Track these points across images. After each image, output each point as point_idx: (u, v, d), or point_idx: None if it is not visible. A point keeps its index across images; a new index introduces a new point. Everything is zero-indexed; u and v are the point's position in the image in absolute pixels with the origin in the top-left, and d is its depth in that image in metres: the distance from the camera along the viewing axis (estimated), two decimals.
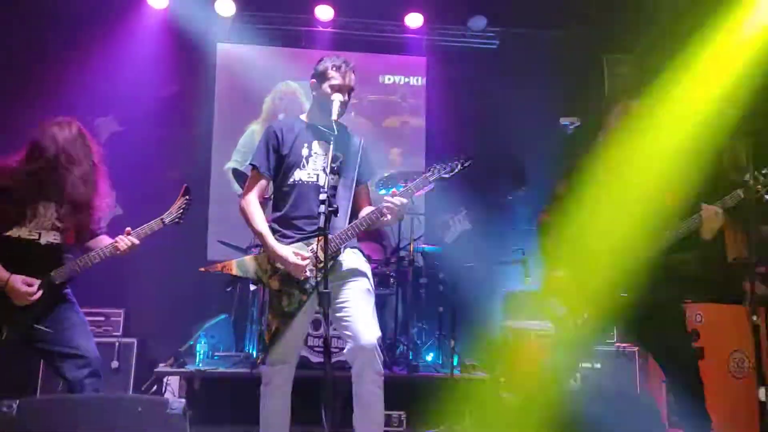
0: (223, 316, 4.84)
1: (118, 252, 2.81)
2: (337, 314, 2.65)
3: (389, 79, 6.22)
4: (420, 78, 6.24)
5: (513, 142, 6.00)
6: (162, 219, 2.89)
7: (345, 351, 2.63)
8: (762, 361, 2.40)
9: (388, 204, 2.59)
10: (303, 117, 2.87)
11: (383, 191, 4.41)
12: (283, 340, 2.63)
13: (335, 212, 2.27)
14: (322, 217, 2.23)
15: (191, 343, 4.59)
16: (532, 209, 5.91)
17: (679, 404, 2.78)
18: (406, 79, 6.24)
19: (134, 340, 4.56)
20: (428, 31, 6.09)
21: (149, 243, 5.40)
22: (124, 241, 2.80)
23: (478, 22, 6.01)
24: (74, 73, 5.31)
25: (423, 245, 5.12)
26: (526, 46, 5.95)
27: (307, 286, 2.63)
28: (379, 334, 2.63)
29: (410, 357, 4.47)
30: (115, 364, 4.47)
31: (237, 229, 4.17)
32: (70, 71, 5.29)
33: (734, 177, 3.04)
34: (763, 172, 2.60)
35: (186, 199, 2.93)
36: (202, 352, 4.43)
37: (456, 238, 5.84)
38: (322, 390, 2.21)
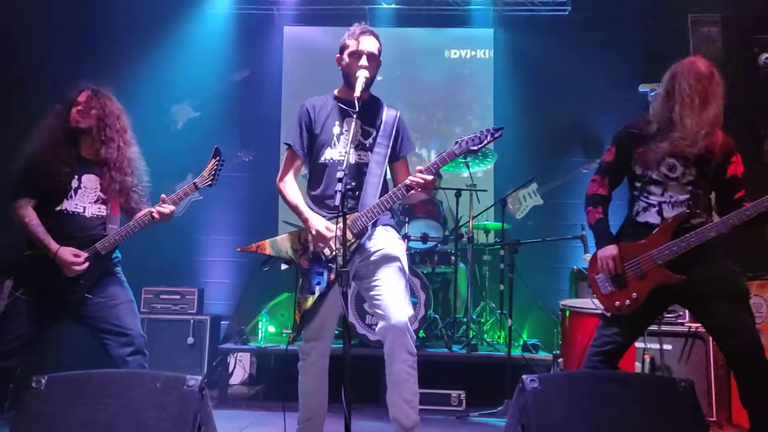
0: (285, 295, 4.97)
1: (155, 219, 2.83)
2: (369, 293, 2.64)
3: (455, 53, 6.06)
4: (487, 51, 6.02)
5: (588, 113, 5.72)
6: (195, 183, 2.89)
7: (376, 330, 2.62)
8: None
9: (413, 179, 2.53)
10: (335, 92, 2.84)
11: None
12: (315, 319, 2.65)
13: (353, 191, 2.23)
14: (339, 196, 2.21)
15: (259, 319, 4.75)
16: None
17: (742, 391, 2.56)
18: (473, 53, 6.05)
19: (207, 318, 4.78)
20: (495, 2, 5.86)
21: (223, 224, 5.73)
22: (159, 209, 2.83)
23: None
24: (149, 64, 5.58)
25: (485, 221, 5.00)
26: (600, 9, 5.59)
27: (335, 265, 2.62)
28: (411, 312, 2.59)
29: (471, 336, 4.40)
30: (190, 340, 4.70)
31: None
32: (145, 63, 5.56)
33: None
34: None
35: (217, 161, 2.92)
36: (265, 329, 4.57)
37: (527, 213, 5.67)
38: (344, 367, 2.21)
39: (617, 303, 2.62)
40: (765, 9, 5.10)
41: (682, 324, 3.90)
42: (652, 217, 2.63)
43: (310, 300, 2.62)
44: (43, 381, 1.92)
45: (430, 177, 2.51)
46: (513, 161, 5.37)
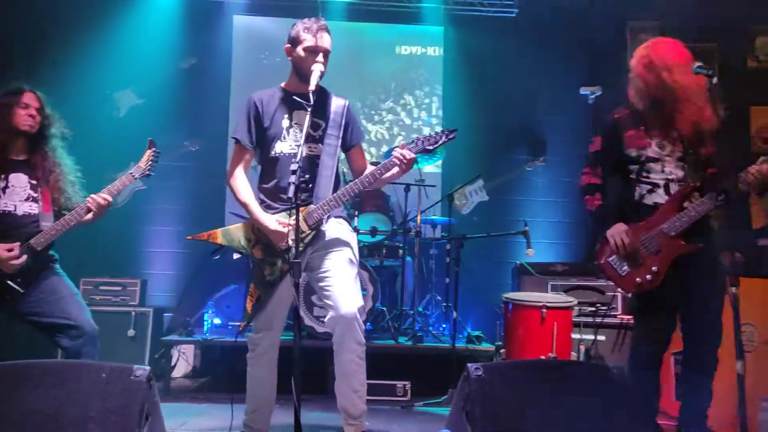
0: (233, 287, 4.93)
1: (91, 212, 2.81)
2: (319, 284, 2.68)
3: (406, 50, 6.13)
4: (437, 48, 6.12)
5: (532, 113, 5.90)
6: (131, 173, 2.89)
7: (326, 320, 2.66)
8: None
9: (393, 159, 2.62)
10: (283, 85, 2.84)
11: None
12: (266, 308, 2.67)
13: (306, 183, 2.26)
14: (292, 188, 2.23)
15: (202, 312, 4.69)
16: (550, 180, 5.88)
17: (688, 377, 2.72)
18: (423, 50, 6.13)
19: (150, 310, 4.69)
20: (445, 0, 5.96)
21: (167, 215, 5.61)
22: (95, 200, 2.80)
23: None
24: (91, 48, 5.41)
25: (433, 216, 5.10)
26: (545, 13, 5.77)
27: (289, 256, 2.64)
28: (360, 303, 2.64)
29: (417, 328, 4.48)
30: (131, 332, 4.60)
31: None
32: (86, 46, 5.39)
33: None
34: None
35: (153, 151, 2.92)
36: (210, 321, 4.52)
37: (472, 209, 5.81)
38: (294, 359, 2.23)
39: (638, 280, 2.65)
40: (701, 18, 5.38)
41: (615, 316, 4.11)
42: (660, 197, 2.68)
43: (262, 290, 2.62)
44: None
45: (410, 155, 2.62)
46: (460, 158, 5.47)
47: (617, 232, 2.69)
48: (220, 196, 5.77)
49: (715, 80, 2.58)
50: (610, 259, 2.73)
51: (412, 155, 2.62)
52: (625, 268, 2.69)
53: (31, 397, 1.86)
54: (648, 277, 2.63)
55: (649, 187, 2.71)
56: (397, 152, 2.63)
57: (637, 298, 2.74)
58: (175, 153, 5.46)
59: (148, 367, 1.96)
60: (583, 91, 5.66)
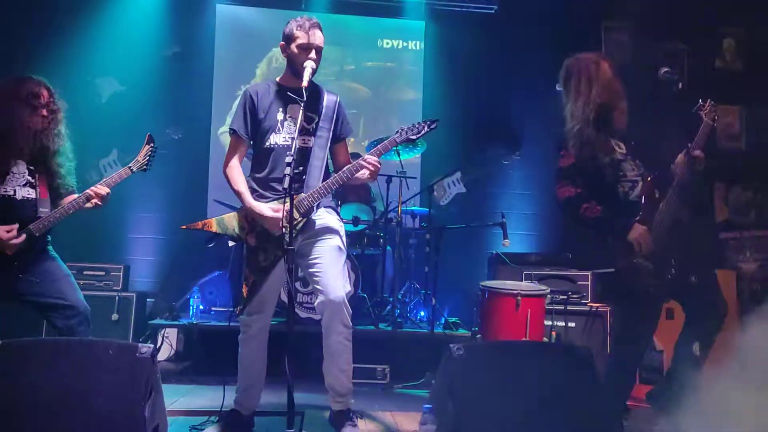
0: (217, 273, 5.02)
1: (91, 200, 2.89)
2: (309, 270, 2.81)
3: (387, 43, 6.25)
4: (418, 42, 6.25)
5: (509, 108, 6.07)
6: (129, 167, 2.99)
7: (315, 304, 2.80)
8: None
9: (362, 162, 2.73)
10: (278, 79, 2.95)
11: None
12: (259, 292, 2.79)
13: (301, 174, 2.39)
14: (287, 179, 2.36)
15: (188, 297, 4.79)
16: (525, 173, 6.07)
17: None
18: (405, 44, 6.26)
19: (133, 294, 4.74)
20: None
21: (150, 201, 5.66)
22: (96, 189, 2.89)
23: None
24: (75, 33, 5.42)
25: (412, 207, 5.25)
26: (524, 10, 5.93)
27: (282, 242, 2.76)
28: (347, 289, 2.78)
29: (396, 314, 4.64)
30: (115, 317, 4.66)
31: None
32: (68, 31, 5.40)
33: None
34: None
35: (151, 147, 3.03)
36: (195, 306, 4.62)
37: (450, 201, 5.98)
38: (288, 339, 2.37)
39: (669, 276, 2.76)
40: (670, 18, 5.59)
41: (585, 304, 4.32)
42: (639, 192, 2.81)
43: (257, 275, 2.75)
44: None
45: (375, 159, 2.72)
46: (439, 150, 5.63)
47: (640, 234, 2.73)
48: (203, 183, 5.85)
49: (680, 85, 2.76)
50: (636, 261, 2.75)
51: (378, 165, 2.75)
52: (650, 266, 2.74)
53: (42, 373, 1.96)
54: (673, 271, 2.74)
55: (630, 184, 2.83)
56: (362, 161, 2.75)
57: (647, 298, 2.81)
58: (158, 140, 5.49)
59: (151, 345, 2.08)
60: (559, 87, 5.83)
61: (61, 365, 1.98)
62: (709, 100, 2.77)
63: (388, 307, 4.83)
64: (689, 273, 2.78)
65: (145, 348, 2.06)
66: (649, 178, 2.80)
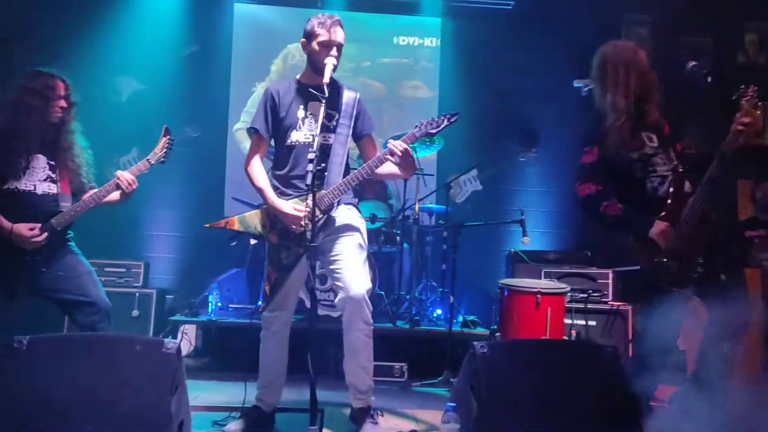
0: (235, 270, 5.05)
1: (122, 185, 2.90)
2: (330, 266, 2.82)
3: (403, 40, 6.24)
4: (435, 39, 6.23)
5: (526, 105, 6.03)
6: (148, 159, 2.99)
7: (336, 301, 2.81)
8: None
9: (381, 156, 2.75)
10: (298, 77, 2.96)
11: None
12: (281, 289, 2.80)
13: (323, 171, 2.39)
14: (309, 176, 2.37)
15: (206, 294, 4.82)
16: (542, 170, 6.04)
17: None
18: (421, 41, 6.25)
19: (153, 291, 4.81)
20: None
21: (169, 199, 5.70)
22: (124, 177, 2.90)
23: None
24: (94, 33, 5.47)
25: (429, 204, 5.24)
26: (541, 5, 5.89)
27: (303, 240, 2.77)
28: (368, 286, 2.78)
29: (413, 312, 4.64)
30: (135, 313, 4.73)
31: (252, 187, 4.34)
32: (88, 32, 5.45)
33: None
34: None
35: (168, 139, 3.03)
36: (214, 303, 4.65)
37: (466, 198, 5.97)
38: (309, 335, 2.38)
39: (694, 275, 2.67)
40: (693, 12, 5.53)
41: (606, 302, 4.28)
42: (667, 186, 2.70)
43: (278, 273, 2.76)
44: (24, 342, 1.99)
45: (402, 146, 2.70)
46: (455, 147, 5.61)
47: (662, 231, 2.65)
48: (220, 181, 5.89)
49: (709, 79, 2.70)
50: (660, 261, 2.67)
51: (405, 146, 2.70)
52: (674, 265, 2.66)
53: (71, 367, 1.99)
54: (699, 269, 2.67)
55: (659, 179, 2.73)
56: (391, 143, 2.74)
57: (670, 297, 2.70)
58: (176, 138, 5.52)
59: (177, 341, 2.09)
60: (577, 83, 5.81)
61: (89, 360, 2.00)
62: (752, 86, 2.63)
63: (405, 305, 4.83)
64: (716, 271, 2.72)
65: (171, 344, 2.08)
66: (680, 169, 2.70)
